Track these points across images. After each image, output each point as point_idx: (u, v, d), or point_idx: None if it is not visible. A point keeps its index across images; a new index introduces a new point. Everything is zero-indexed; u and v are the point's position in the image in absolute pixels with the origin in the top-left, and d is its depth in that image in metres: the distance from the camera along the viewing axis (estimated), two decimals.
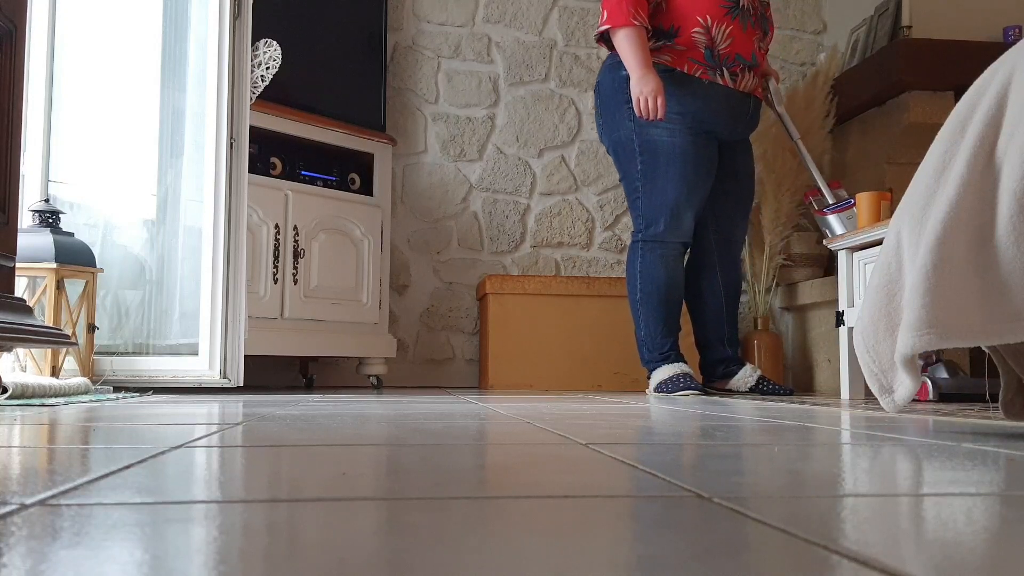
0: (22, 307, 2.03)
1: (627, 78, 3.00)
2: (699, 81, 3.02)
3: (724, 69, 3.02)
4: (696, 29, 2.99)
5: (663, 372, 3.07)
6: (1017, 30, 3.31)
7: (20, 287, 2.50)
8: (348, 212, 3.53)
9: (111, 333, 2.96)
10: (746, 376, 3.18)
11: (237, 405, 2.09)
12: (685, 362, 3.12)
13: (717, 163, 3.13)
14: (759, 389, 3.17)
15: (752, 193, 3.29)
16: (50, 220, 2.70)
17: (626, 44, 2.95)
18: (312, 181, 3.46)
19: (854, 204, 3.11)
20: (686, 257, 3.23)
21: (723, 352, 3.23)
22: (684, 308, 3.25)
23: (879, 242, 2.59)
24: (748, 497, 0.70)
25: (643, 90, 2.91)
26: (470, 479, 0.83)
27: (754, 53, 3.06)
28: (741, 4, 3.01)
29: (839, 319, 3.01)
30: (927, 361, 2.91)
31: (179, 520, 0.59)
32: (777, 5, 4.37)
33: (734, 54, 3.02)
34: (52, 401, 2.08)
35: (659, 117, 2.92)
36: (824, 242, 3.13)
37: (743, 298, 3.77)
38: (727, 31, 3.00)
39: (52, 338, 2.14)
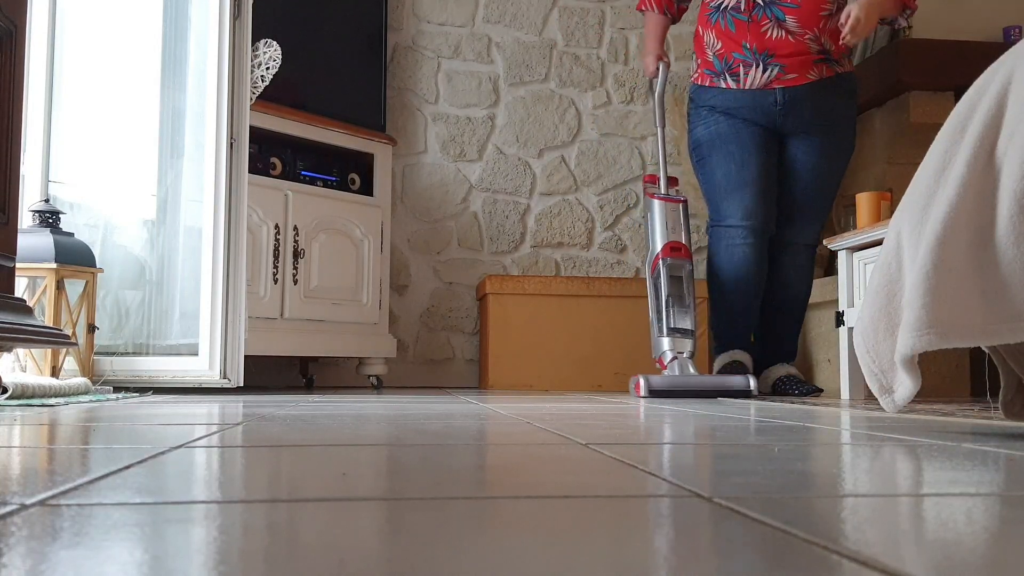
0: (22, 307, 2.03)
1: (701, 97, 3.16)
2: (712, 90, 3.11)
3: (726, 74, 3.06)
4: (704, 42, 3.14)
5: (718, 361, 3.14)
6: (1017, 30, 3.31)
7: (20, 287, 2.50)
8: (348, 212, 3.53)
9: (111, 333, 2.96)
10: (769, 374, 3.17)
11: (237, 405, 2.09)
12: (743, 349, 3.09)
13: (772, 146, 3.09)
14: (776, 389, 3.14)
15: (813, 193, 3.11)
16: (50, 220, 2.70)
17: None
18: (312, 181, 3.46)
19: (683, 202, 3.07)
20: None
21: (757, 350, 3.20)
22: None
23: (879, 242, 2.59)
24: (748, 497, 0.70)
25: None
26: (470, 479, 0.83)
27: (755, 46, 3.01)
28: (723, 5, 3.03)
29: (839, 319, 3.01)
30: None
31: (179, 520, 0.59)
32: None
33: (729, 54, 3.04)
34: (52, 401, 2.07)
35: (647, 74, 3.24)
36: (824, 241, 3.13)
37: None
38: (714, 36, 3.07)
39: (52, 338, 2.14)
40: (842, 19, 2.91)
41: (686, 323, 2.95)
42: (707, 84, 3.12)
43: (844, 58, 3.10)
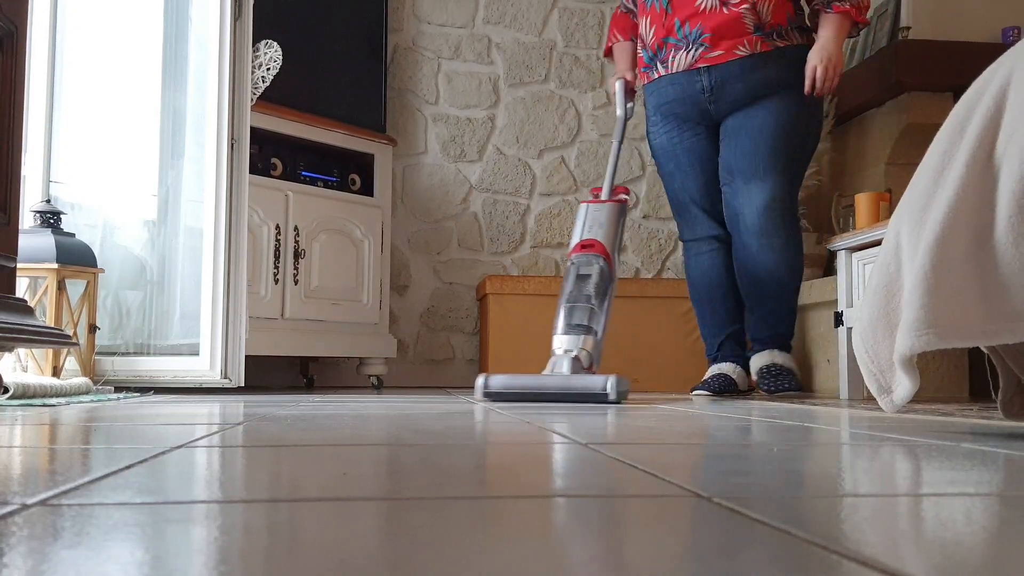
0: (23, 307, 2.03)
1: (646, 95, 3.07)
2: (648, 86, 3.01)
3: (656, 63, 2.95)
4: (640, 33, 3.03)
5: (707, 373, 3.05)
6: (1016, 31, 3.31)
7: (21, 287, 2.50)
8: (348, 212, 3.53)
9: (112, 333, 2.96)
10: (751, 365, 2.96)
11: (238, 405, 2.09)
12: (733, 361, 3.01)
13: (709, 144, 2.96)
14: (758, 382, 2.91)
15: (749, 152, 2.85)
16: (51, 221, 2.70)
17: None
18: (313, 182, 3.46)
19: (612, 203, 2.81)
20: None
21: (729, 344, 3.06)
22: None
23: (878, 242, 2.58)
24: (748, 497, 0.70)
25: None
26: (470, 479, 0.83)
27: (688, 22, 2.84)
28: None
29: (838, 319, 3.01)
30: None
31: (180, 520, 0.59)
32: None
33: (661, 40, 2.90)
34: (53, 401, 2.08)
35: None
36: (824, 242, 3.13)
37: None
38: (648, 22, 2.94)
39: (53, 338, 2.14)
40: (808, 75, 2.80)
41: (582, 319, 2.60)
42: (645, 81, 3.02)
43: (789, 32, 2.85)
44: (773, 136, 2.84)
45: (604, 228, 2.75)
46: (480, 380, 2.45)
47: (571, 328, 2.61)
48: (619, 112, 3.00)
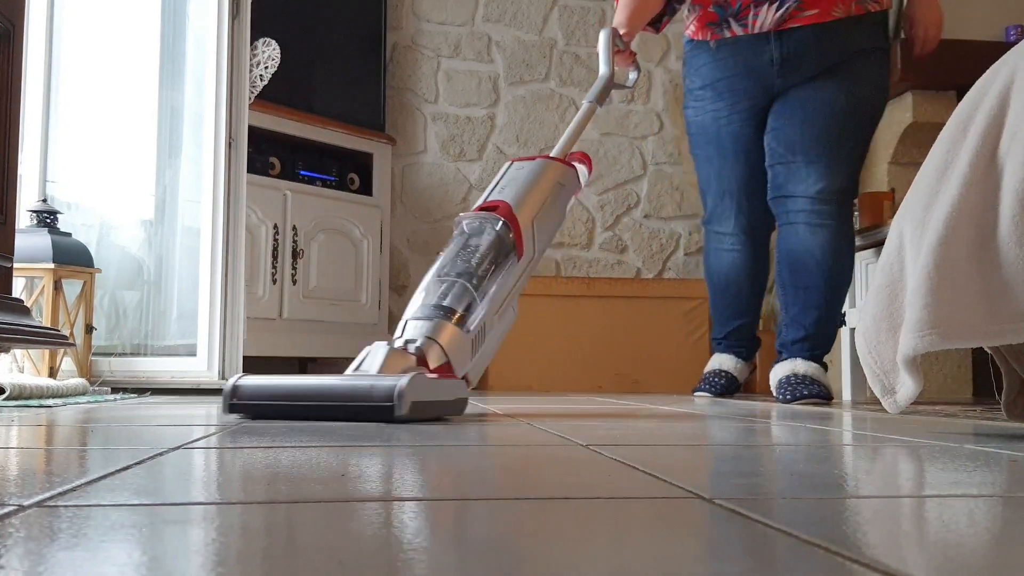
0: (20, 308, 2.03)
1: (691, 65, 2.79)
2: (709, 45, 2.69)
3: (730, 19, 2.61)
4: None
5: (708, 364, 2.96)
6: (1019, 30, 3.31)
7: (18, 287, 2.50)
8: (347, 212, 3.53)
9: (109, 334, 2.96)
10: (773, 374, 2.68)
11: None
12: (735, 354, 2.89)
13: (754, 138, 2.71)
14: (777, 393, 2.62)
15: (817, 131, 2.57)
16: (48, 220, 2.69)
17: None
18: (311, 181, 3.45)
19: (548, 159, 2.05)
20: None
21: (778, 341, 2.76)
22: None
23: (882, 242, 2.57)
24: (749, 499, 0.69)
25: None
26: (469, 480, 0.82)
27: None
28: None
29: (841, 319, 3.01)
30: None
31: (177, 521, 0.59)
32: None
33: None
34: (50, 402, 2.07)
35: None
36: None
37: None
38: None
39: (50, 339, 2.14)
40: (918, 37, 2.70)
41: (452, 302, 1.74)
42: (705, 38, 2.67)
43: None
44: (844, 114, 2.57)
45: (519, 187, 1.93)
46: (230, 383, 1.60)
47: (427, 309, 1.74)
48: (603, 69, 2.39)
